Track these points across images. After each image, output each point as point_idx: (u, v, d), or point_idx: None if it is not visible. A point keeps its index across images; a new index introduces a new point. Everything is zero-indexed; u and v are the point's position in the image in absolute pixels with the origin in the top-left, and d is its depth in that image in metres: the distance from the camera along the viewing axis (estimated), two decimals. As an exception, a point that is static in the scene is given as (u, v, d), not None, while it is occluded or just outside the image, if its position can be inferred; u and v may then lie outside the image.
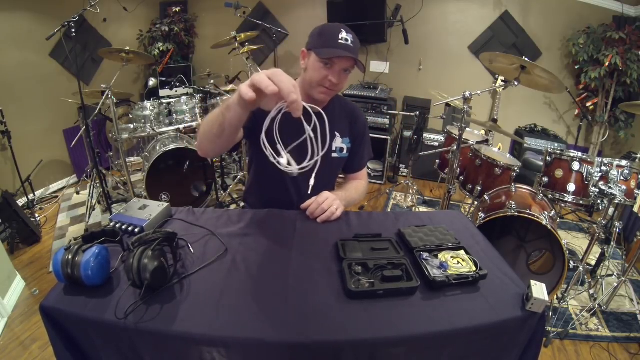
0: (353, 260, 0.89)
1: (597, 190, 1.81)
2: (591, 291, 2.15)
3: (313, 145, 0.78)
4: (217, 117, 0.93)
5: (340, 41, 1.08)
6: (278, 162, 0.76)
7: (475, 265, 0.89)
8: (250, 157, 1.38)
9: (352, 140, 1.36)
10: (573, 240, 2.88)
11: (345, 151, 1.34)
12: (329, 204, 1.14)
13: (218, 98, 3.14)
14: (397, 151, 3.83)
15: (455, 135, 2.18)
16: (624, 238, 2.74)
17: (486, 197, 2.13)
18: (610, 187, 1.75)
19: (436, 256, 0.93)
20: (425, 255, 0.93)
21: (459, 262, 0.91)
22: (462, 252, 0.95)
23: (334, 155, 1.33)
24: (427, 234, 1.04)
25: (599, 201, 1.85)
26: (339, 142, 1.32)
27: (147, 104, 3.01)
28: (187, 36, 4.34)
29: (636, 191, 1.84)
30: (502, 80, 3.35)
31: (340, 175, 1.46)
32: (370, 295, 0.80)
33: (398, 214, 1.24)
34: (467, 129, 2.69)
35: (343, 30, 1.10)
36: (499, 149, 2.72)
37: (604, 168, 1.84)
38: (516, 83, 1.91)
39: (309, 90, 1.19)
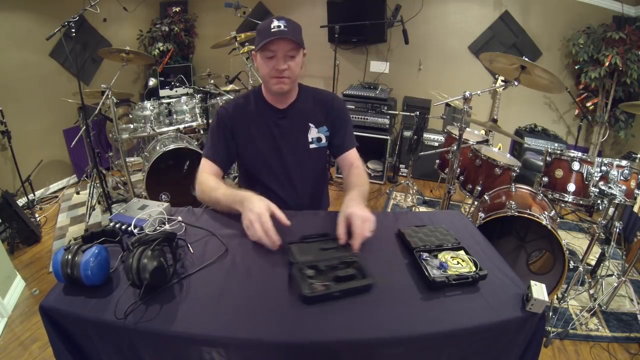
0: (303, 264, 0.85)
1: (597, 190, 1.80)
2: (591, 291, 2.15)
3: None
4: (222, 205, 1.11)
5: (272, 30, 1.12)
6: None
7: (475, 265, 0.89)
8: (239, 164, 1.44)
9: (331, 126, 1.36)
10: (573, 240, 2.88)
11: (323, 140, 1.35)
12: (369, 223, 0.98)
13: (218, 98, 3.14)
14: (397, 151, 3.83)
15: (455, 135, 2.18)
16: (624, 238, 2.74)
17: (486, 197, 2.13)
18: (610, 187, 1.75)
19: (436, 256, 0.93)
20: (425, 255, 0.93)
21: (458, 262, 0.91)
22: (462, 252, 0.95)
23: (312, 146, 1.34)
24: (427, 234, 1.04)
25: (599, 201, 1.85)
26: (314, 133, 1.34)
27: (147, 104, 3.01)
28: (187, 36, 4.34)
29: (636, 191, 1.84)
30: (502, 80, 3.35)
31: (340, 176, 1.46)
32: (326, 298, 0.78)
33: (398, 214, 1.24)
34: (467, 129, 2.69)
35: (274, 20, 1.14)
36: (499, 149, 2.71)
37: (604, 168, 1.84)
38: (516, 83, 1.91)
39: (266, 86, 1.26)
